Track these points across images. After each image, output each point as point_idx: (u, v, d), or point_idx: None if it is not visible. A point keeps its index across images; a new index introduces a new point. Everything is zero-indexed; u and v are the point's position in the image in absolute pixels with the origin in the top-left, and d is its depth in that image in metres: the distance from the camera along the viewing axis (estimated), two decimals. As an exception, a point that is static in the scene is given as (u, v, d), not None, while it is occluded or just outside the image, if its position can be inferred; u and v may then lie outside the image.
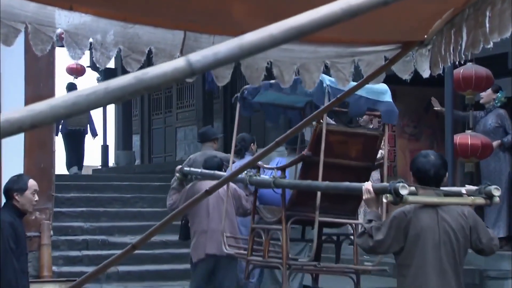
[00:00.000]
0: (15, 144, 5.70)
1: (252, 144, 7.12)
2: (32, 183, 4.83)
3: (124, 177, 11.91)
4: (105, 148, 15.74)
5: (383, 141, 5.47)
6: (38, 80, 5.81)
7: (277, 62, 3.22)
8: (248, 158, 6.76)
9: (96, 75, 17.31)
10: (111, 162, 16.06)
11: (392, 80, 9.58)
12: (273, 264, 5.15)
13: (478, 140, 6.90)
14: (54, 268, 7.08)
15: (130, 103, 16.14)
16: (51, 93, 5.90)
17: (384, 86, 5.10)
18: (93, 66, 17.16)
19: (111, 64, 18.51)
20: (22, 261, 4.73)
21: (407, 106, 9.32)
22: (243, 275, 5.99)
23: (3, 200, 4.90)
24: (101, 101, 1.31)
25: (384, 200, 3.73)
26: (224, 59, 1.34)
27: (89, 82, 18.70)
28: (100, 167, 15.64)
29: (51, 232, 5.87)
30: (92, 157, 18.54)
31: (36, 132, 5.81)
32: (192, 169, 6.11)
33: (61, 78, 16.67)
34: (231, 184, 5.78)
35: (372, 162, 5.21)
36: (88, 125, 13.13)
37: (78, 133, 12.94)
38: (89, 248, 8.91)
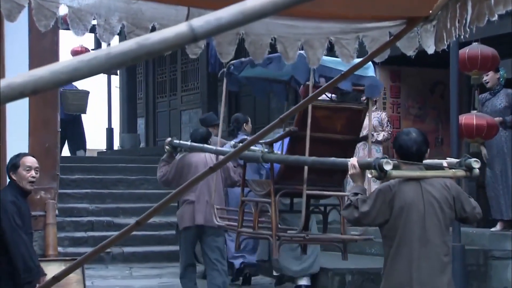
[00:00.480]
0: (20, 124, 5.71)
1: (245, 124, 7.29)
2: (26, 159, 4.79)
3: (129, 159, 11.93)
4: (110, 131, 15.76)
5: (367, 115, 5.49)
6: (42, 59, 5.79)
7: (281, 38, 3.21)
8: (240, 137, 6.96)
9: (100, 58, 17.28)
10: (116, 145, 16.08)
11: (397, 61, 9.52)
12: (263, 236, 5.29)
13: (483, 120, 6.87)
14: (60, 249, 7.11)
15: (135, 86, 16.13)
16: (55, 73, 5.86)
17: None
18: (98, 49, 17.15)
19: (115, 43, 18.48)
20: (27, 240, 4.77)
21: (412, 87, 9.29)
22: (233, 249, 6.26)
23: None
24: (102, 67, 1.30)
25: (369, 176, 3.90)
26: (227, 25, 1.34)
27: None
28: (105, 150, 15.66)
29: (57, 212, 5.89)
30: (97, 140, 18.59)
31: (41, 112, 5.81)
32: (181, 142, 6.30)
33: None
34: (219, 156, 5.85)
35: (357, 135, 5.37)
36: None
37: (77, 119, 12.83)
38: (94, 229, 8.95)
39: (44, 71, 1.28)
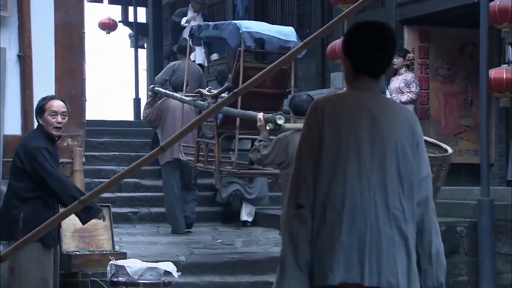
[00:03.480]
0: (46, 71, 5.74)
1: (230, 75, 7.99)
2: (52, 103, 4.68)
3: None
4: (137, 101, 15.84)
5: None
6: (68, 6, 5.81)
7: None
8: (226, 84, 7.96)
9: (128, 30, 17.31)
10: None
11: (426, 21, 9.33)
12: (209, 169, 6.61)
13: (514, 74, 6.76)
14: (88, 208, 7.15)
15: (162, 59, 16.15)
16: (80, 20, 5.90)
17: (290, 29, 6.77)
18: (125, 21, 17.11)
19: (143, 19, 18.28)
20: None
21: (441, 47, 9.12)
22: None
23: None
24: None
25: (267, 128, 5.12)
26: None
27: (121, 37, 18.72)
28: (132, 121, 15.72)
29: (83, 159, 5.94)
30: (124, 110, 18.63)
31: (67, 59, 5.84)
32: (159, 89, 7.85)
33: (93, 33, 16.72)
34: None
35: (285, 89, 6.57)
36: None
37: None
38: (122, 190, 9.01)
39: None
